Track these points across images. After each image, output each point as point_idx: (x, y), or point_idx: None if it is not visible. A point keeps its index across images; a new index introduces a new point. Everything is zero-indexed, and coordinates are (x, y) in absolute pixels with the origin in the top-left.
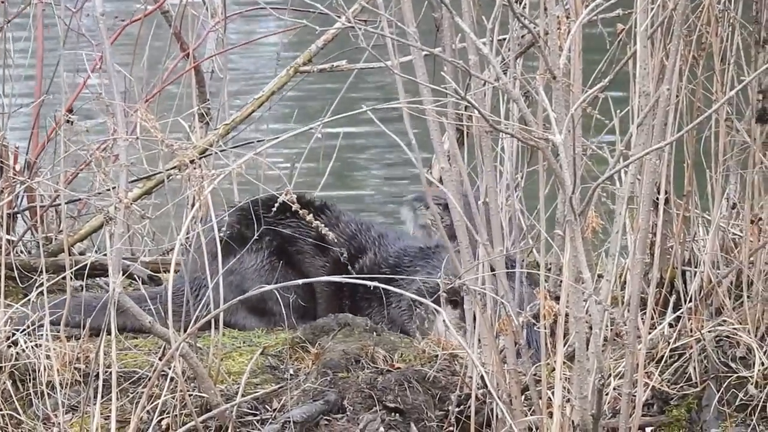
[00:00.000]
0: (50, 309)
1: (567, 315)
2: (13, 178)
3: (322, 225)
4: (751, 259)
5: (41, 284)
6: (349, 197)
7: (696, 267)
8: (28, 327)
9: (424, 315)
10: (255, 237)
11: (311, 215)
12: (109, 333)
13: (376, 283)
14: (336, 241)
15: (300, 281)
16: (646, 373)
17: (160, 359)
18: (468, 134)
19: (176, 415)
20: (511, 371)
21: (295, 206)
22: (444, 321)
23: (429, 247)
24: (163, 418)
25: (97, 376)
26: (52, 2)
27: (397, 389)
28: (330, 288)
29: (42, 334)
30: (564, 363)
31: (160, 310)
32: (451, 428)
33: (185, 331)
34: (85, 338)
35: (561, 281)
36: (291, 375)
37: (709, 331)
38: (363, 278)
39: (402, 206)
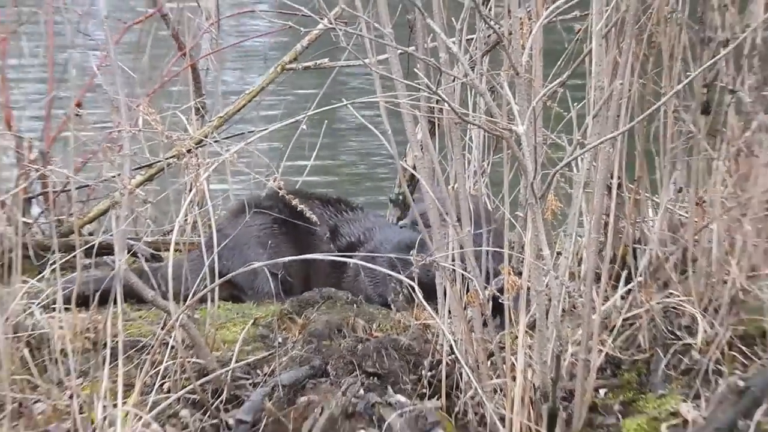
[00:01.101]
0: (63, 284)
1: (529, 289)
2: (28, 167)
3: (306, 208)
4: (696, 237)
5: (54, 262)
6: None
7: (646, 245)
8: (43, 300)
9: (399, 289)
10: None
11: (297, 200)
12: (115, 305)
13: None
14: (325, 222)
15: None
16: (600, 340)
17: (161, 329)
18: (439, 125)
19: (176, 379)
20: (478, 339)
21: (282, 192)
22: (417, 294)
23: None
24: (164, 382)
25: (106, 344)
26: (61, 6)
27: (375, 356)
28: (329, 265)
29: (55, 307)
30: (526, 332)
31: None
32: (423, 391)
33: (185, 302)
34: (94, 310)
35: (523, 258)
36: (280, 343)
37: (658, 303)
38: (344, 256)
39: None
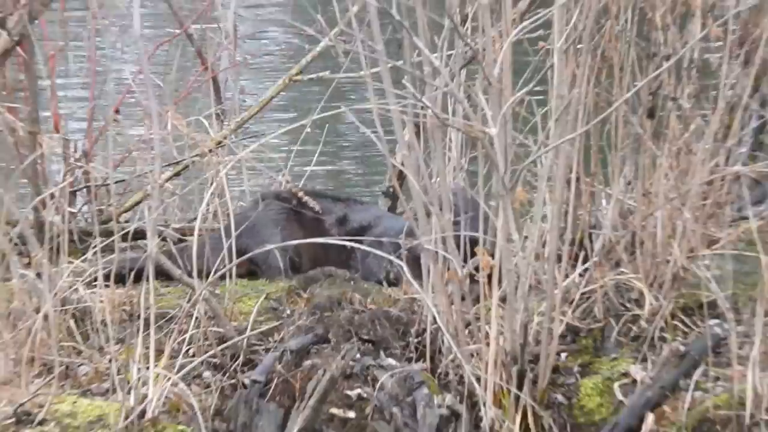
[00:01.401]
0: (103, 264)
1: (500, 267)
2: (73, 164)
3: (310, 199)
4: (643, 223)
5: (95, 246)
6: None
7: (600, 230)
8: (86, 278)
9: (389, 268)
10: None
11: (302, 192)
12: (148, 282)
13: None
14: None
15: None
16: (561, 312)
17: (187, 302)
18: (424, 128)
19: (200, 345)
20: (457, 311)
21: (289, 185)
22: (405, 273)
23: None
24: (190, 348)
25: (139, 315)
26: (101, 27)
27: (370, 325)
28: (338, 249)
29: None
30: (498, 304)
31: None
32: (411, 355)
33: (207, 278)
34: (129, 286)
35: (495, 241)
36: (288, 315)
37: (610, 280)
38: (345, 239)
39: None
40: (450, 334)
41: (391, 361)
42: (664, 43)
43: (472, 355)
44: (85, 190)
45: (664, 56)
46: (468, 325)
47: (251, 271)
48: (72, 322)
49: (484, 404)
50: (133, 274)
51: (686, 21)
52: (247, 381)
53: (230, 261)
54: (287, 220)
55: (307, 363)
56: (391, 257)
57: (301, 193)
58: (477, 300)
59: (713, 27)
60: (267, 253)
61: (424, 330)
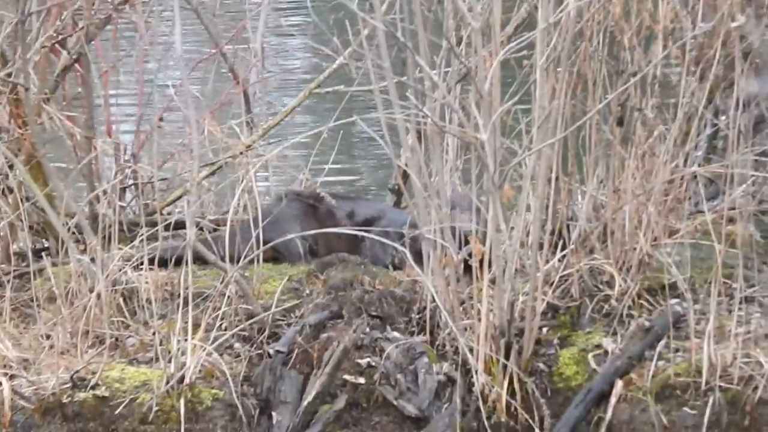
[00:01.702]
0: (148, 251)
1: (490, 254)
2: (123, 165)
3: (327, 194)
4: (613, 216)
5: (142, 235)
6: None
7: (576, 222)
8: (134, 262)
9: (394, 254)
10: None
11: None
12: (187, 266)
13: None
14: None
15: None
16: (543, 292)
17: (220, 284)
18: (424, 134)
19: (231, 320)
20: (453, 291)
21: (309, 182)
22: (408, 259)
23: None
24: (222, 323)
25: (179, 295)
26: (148, 48)
27: (378, 303)
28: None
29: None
30: (488, 285)
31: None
32: (413, 329)
33: (238, 263)
34: (171, 269)
35: (486, 231)
36: (307, 294)
37: (585, 264)
38: (357, 229)
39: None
40: (447, 311)
41: (396, 334)
42: (631, 62)
43: (465, 329)
44: (133, 186)
45: (631, 73)
46: (462, 303)
47: (275, 257)
48: (121, 300)
49: (476, 372)
50: (174, 259)
51: (650, 43)
52: (271, 351)
53: (257, 248)
54: (305, 214)
55: (324, 336)
56: (396, 245)
57: (318, 189)
58: (470, 282)
59: (673, 48)
60: (288, 241)
61: (425, 308)
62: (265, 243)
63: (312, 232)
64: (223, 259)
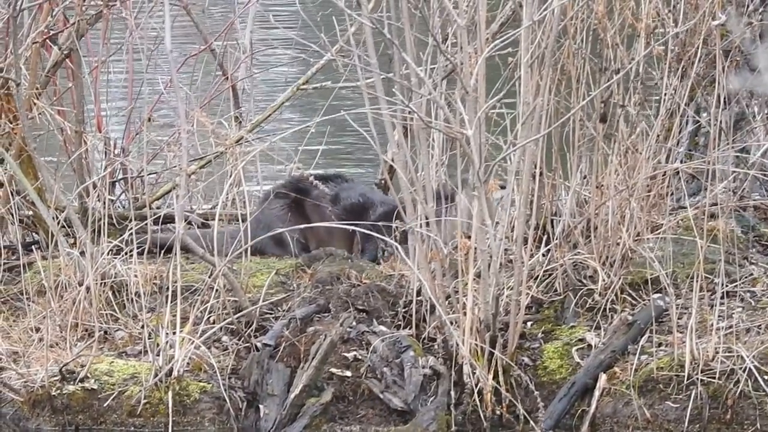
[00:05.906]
0: (137, 244)
1: (476, 248)
2: (113, 159)
3: (317, 180)
4: (596, 211)
5: (131, 228)
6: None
7: (560, 217)
8: (123, 256)
9: (383, 247)
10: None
11: (312, 177)
12: (175, 259)
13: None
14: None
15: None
16: (528, 286)
17: (209, 277)
18: (410, 129)
19: (219, 314)
20: (439, 285)
21: (300, 171)
22: (399, 252)
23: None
24: (210, 316)
25: (168, 288)
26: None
27: (364, 297)
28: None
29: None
30: (473, 279)
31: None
32: (399, 323)
33: (225, 258)
34: (159, 263)
35: (472, 225)
36: (295, 288)
37: (569, 259)
38: (346, 224)
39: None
40: (432, 304)
41: (382, 328)
42: (614, 59)
43: (451, 323)
44: (122, 180)
45: (614, 70)
46: (448, 297)
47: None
48: (110, 294)
49: (464, 363)
50: (162, 252)
51: (633, 41)
52: (259, 344)
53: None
54: (290, 212)
55: (311, 329)
56: (387, 239)
57: (311, 178)
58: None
59: (655, 46)
60: (278, 244)
61: (411, 301)
62: (253, 249)
63: (301, 227)
64: (211, 253)
